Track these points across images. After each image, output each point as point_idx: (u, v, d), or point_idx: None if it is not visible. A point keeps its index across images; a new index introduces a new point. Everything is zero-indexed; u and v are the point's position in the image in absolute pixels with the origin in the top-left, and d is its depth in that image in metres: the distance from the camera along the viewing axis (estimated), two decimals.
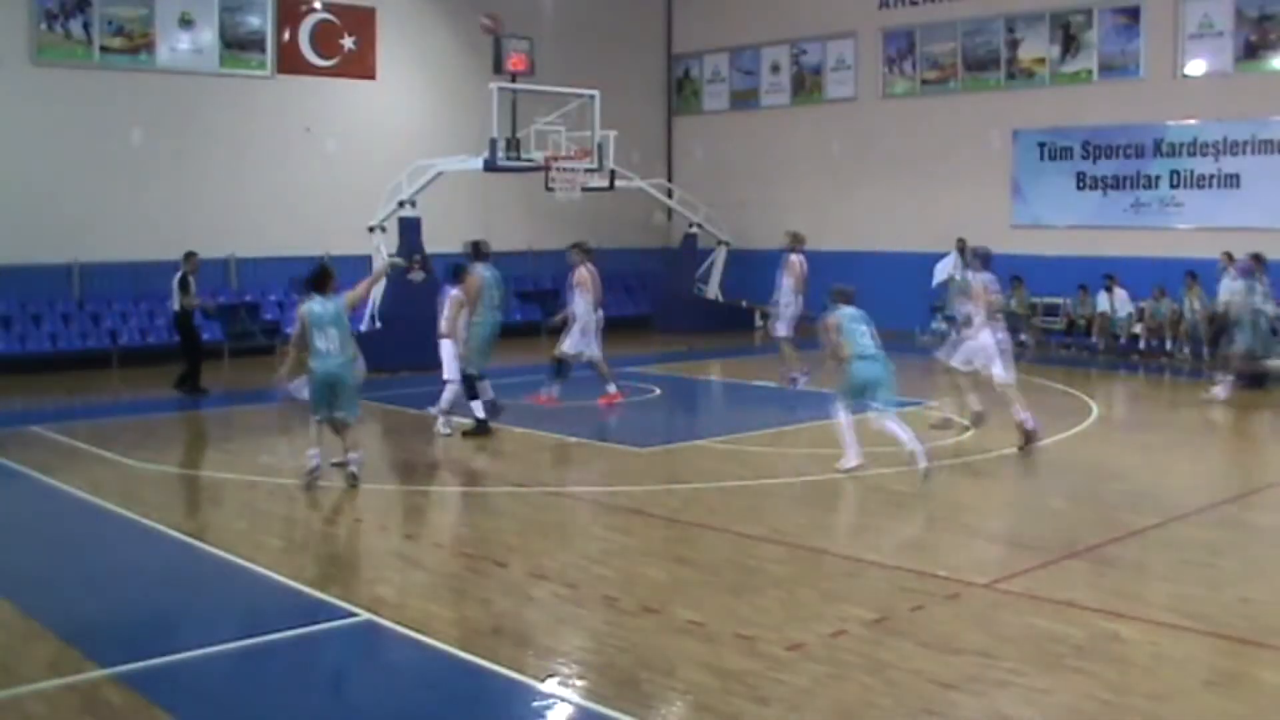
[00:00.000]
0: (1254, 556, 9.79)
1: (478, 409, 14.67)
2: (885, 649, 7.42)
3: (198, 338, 18.74)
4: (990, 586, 8.71)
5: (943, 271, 23.35)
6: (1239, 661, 7.41)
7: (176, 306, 18.37)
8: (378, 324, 20.85)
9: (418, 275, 20.38)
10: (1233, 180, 21.65)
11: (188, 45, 23.30)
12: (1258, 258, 18.15)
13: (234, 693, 7.08)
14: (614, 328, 25.75)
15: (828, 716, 6.50)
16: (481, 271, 14.84)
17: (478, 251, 15.13)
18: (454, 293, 14.68)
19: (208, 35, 23.51)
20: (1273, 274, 19.74)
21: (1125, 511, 10.95)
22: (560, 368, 16.70)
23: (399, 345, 18.99)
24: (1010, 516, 11.49)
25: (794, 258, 18.29)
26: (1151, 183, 22.67)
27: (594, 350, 16.68)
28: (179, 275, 18.32)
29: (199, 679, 7.24)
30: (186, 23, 23.22)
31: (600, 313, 16.87)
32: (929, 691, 6.80)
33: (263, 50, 24.21)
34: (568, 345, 16.60)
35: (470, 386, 14.57)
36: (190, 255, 18.58)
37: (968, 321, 14.09)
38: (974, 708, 6.64)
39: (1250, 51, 21.50)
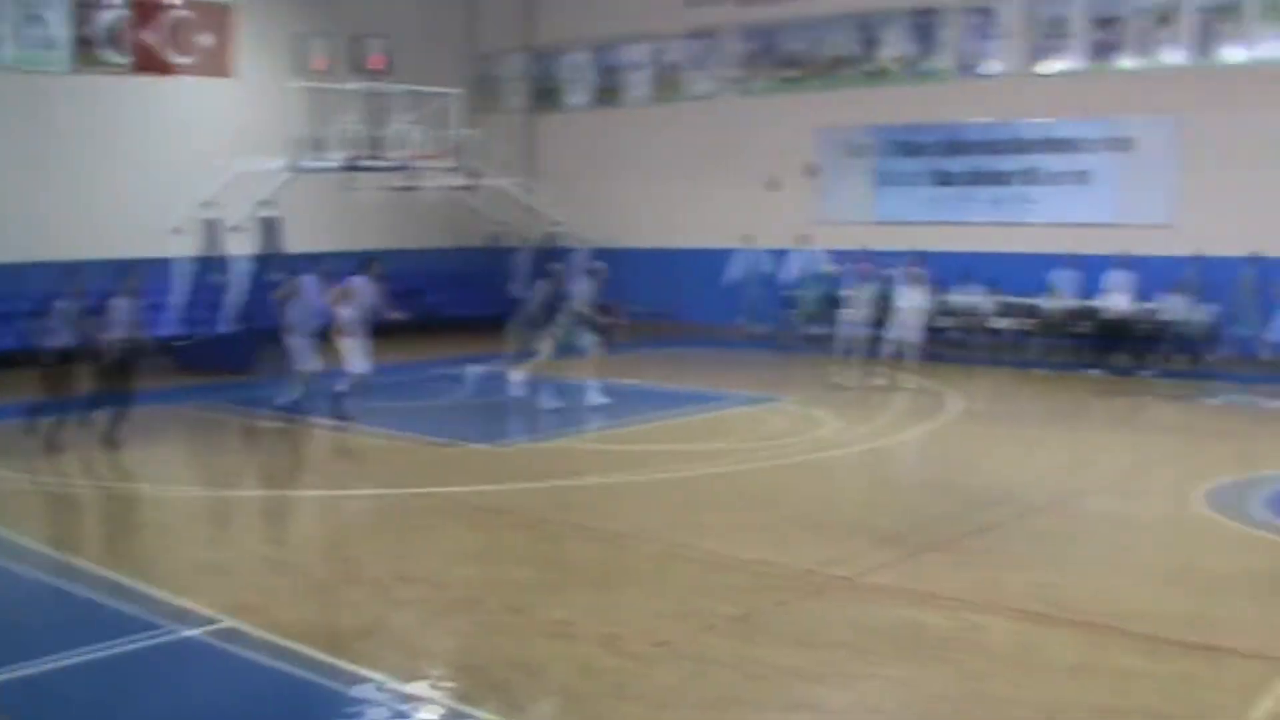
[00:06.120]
0: (1110, 545, 10.04)
1: None
2: (751, 644, 7.46)
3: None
4: (853, 580, 8.81)
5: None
6: (1098, 648, 7.56)
7: None
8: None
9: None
10: (1083, 177, 22.23)
11: None
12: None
13: (89, 703, 6.85)
14: (472, 327, 25.60)
15: (694, 712, 6.50)
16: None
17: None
18: None
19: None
20: (1146, 268, 20.15)
21: (983, 504, 11.16)
22: None
23: (257, 348, 18.53)
24: (872, 511, 11.59)
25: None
26: (1006, 179, 23.17)
27: None
28: None
29: (55, 691, 6.98)
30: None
31: None
32: (795, 685, 6.84)
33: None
34: None
35: None
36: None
37: None
38: (841, 700, 6.70)
39: (1101, 52, 22.07)
